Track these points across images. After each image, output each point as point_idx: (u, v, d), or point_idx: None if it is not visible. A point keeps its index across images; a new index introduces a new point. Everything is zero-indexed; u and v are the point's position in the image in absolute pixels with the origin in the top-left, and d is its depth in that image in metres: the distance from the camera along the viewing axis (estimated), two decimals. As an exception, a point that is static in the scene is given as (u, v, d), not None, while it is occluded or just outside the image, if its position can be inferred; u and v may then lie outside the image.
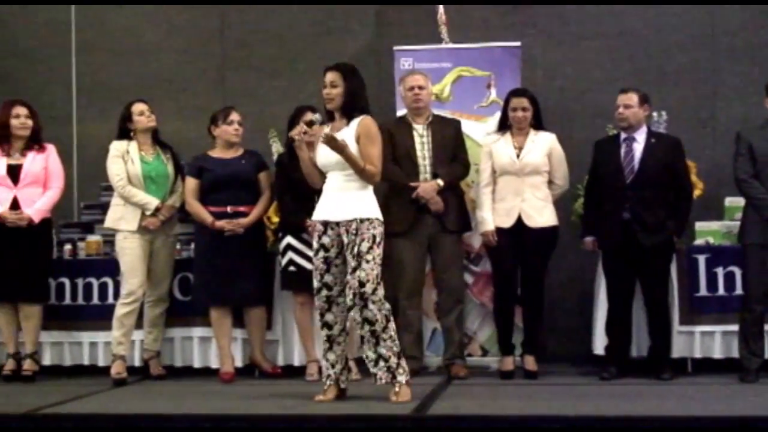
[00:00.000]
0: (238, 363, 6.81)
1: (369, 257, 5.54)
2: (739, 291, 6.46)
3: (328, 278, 5.67)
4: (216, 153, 6.78)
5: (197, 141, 7.18)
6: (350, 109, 5.68)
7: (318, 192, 6.43)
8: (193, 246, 6.92)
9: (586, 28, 7.81)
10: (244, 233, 6.61)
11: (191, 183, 6.71)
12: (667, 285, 6.45)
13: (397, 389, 5.56)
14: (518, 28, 7.69)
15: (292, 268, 6.58)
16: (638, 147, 6.36)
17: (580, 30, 7.81)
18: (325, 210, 5.68)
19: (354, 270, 5.54)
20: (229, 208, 6.64)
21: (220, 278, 6.59)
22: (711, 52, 7.70)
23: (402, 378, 5.58)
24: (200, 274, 6.71)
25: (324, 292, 5.68)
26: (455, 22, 7.68)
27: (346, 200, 5.63)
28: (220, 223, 6.59)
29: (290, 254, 6.58)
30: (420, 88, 6.68)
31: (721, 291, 6.55)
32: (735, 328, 6.36)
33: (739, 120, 7.14)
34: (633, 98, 6.38)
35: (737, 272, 6.49)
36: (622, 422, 5.05)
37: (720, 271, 6.56)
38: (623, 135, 6.45)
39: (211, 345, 6.87)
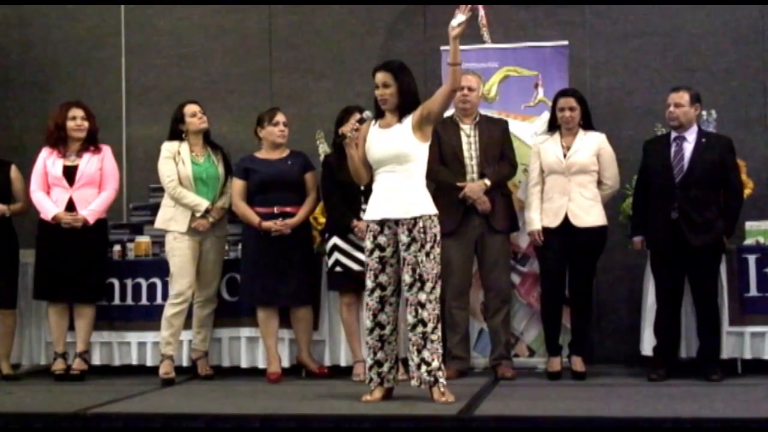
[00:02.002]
0: (285, 363, 6.84)
1: (431, 256, 5.55)
2: (790, 291, 6.39)
3: (382, 278, 5.63)
4: (262, 154, 6.82)
5: (244, 142, 7.24)
6: (406, 107, 5.66)
7: (365, 193, 6.48)
8: (240, 247, 6.95)
9: (634, 27, 7.74)
10: (291, 234, 6.64)
11: (238, 184, 6.75)
12: (716, 285, 6.38)
13: (441, 389, 5.54)
14: (566, 27, 7.64)
15: (338, 268, 6.60)
16: (688, 146, 6.31)
17: (628, 29, 7.75)
18: (381, 208, 5.61)
19: (415, 269, 5.52)
20: (275, 209, 6.67)
21: (267, 279, 6.62)
22: (760, 49, 7.59)
23: (443, 380, 5.57)
24: (247, 275, 6.74)
25: (377, 293, 5.63)
26: (502, 21, 7.67)
27: (403, 197, 5.60)
28: (267, 224, 6.62)
29: (336, 255, 6.60)
30: (470, 89, 6.67)
31: (771, 291, 6.48)
32: (786, 329, 6.29)
33: (789, 118, 7.06)
34: (684, 97, 6.32)
35: (788, 272, 6.42)
36: (671, 424, 5.01)
37: (771, 272, 6.49)
38: (673, 134, 6.39)
39: (258, 345, 6.91)
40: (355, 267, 6.55)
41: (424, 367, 5.55)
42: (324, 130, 7.23)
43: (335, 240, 6.62)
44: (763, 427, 4.92)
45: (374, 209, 5.65)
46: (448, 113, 6.97)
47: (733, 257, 6.48)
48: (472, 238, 6.61)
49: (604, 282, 7.00)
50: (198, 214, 6.70)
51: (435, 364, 5.54)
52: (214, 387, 6.58)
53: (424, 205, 5.61)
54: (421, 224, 5.55)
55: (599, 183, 6.56)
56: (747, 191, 6.68)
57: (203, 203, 6.71)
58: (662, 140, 6.48)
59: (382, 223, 5.60)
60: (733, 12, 7.63)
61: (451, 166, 6.63)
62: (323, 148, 7.24)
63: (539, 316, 6.79)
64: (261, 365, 6.88)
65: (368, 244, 5.64)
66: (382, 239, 5.61)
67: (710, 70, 7.54)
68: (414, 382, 5.61)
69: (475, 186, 6.54)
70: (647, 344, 6.61)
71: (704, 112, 6.69)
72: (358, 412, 5.45)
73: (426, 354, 5.53)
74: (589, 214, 6.45)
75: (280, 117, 6.79)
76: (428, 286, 5.52)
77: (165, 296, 6.85)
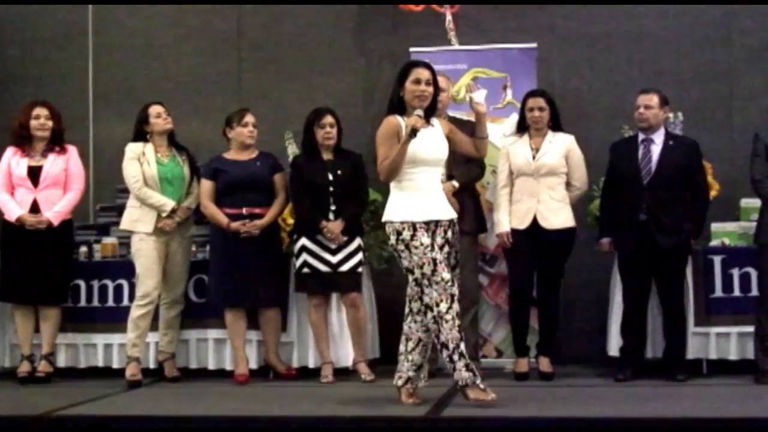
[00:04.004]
0: (253, 365, 6.82)
1: (452, 262, 5.57)
2: (754, 292, 6.42)
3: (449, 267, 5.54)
4: (231, 155, 6.79)
5: (213, 143, 7.20)
6: (433, 109, 5.63)
7: (334, 194, 6.47)
8: (208, 248, 6.93)
9: (602, 30, 7.79)
10: (260, 235, 6.62)
11: (206, 185, 6.73)
12: (682, 286, 6.43)
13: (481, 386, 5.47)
14: (534, 30, 7.67)
15: (306, 269, 6.59)
16: (656, 149, 6.35)
17: (597, 31, 7.80)
18: (434, 209, 5.53)
19: (453, 270, 5.52)
20: (244, 210, 6.65)
21: (235, 280, 6.60)
22: (726, 53, 7.67)
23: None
24: (215, 276, 6.72)
25: (455, 284, 5.51)
26: (471, 23, 7.70)
27: (443, 199, 5.62)
28: (236, 225, 6.60)
29: (305, 256, 6.59)
30: (441, 90, 6.66)
31: (736, 292, 6.52)
32: (750, 329, 6.33)
33: (755, 121, 7.10)
34: (654, 99, 6.36)
35: (753, 273, 6.46)
36: (637, 424, 5.05)
37: (735, 273, 6.53)
38: (641, 136, 6.43)
39: (226, 347, 6.88)
40: (323, 268, 6.55)
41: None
42: (293, 130, 7.22)
43: (304, 241, 6.60)
44: (727, 427, 4.96)
45: (426, 210, 5.50)
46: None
47: (698, 258, 6.53)
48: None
49: (572, 283, 7.02)
50: (164, 215, 6.67)
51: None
52: (181, 389, 6.55)
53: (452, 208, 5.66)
54: (456, 228, 5.60)
55: (568, 185, 6.58)
56: (713, 193, 6.72)
57: (169, 203, 6.68)
58: (630, 142, 6.51)
59: (427, 224, 5.51)
60: (700, 16, 7.70)
61: (419, 167, 6.63)
62: (292, 149, 7.22)
63: (507, 318, 6.82)
64: (228, 367, 6.86)
65: (427, 240, 5.42)
66: (436, 236, 5.53)
67: (677, 73, 7.59)
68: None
69: (445, 187, 6.54)
70: (614, 345, 6.64)
71: (671, 115, 6.73)
72: (326, 414, 5.45)
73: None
74: (558, 215, 6.47)
75: (249, 118, 6.77)
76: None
77: (132, 298, 6.81)
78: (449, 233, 5.55)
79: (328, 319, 6.76)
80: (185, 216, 6.77)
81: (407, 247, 5.45)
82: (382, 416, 5.36)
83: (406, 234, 5.45)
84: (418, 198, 5.51)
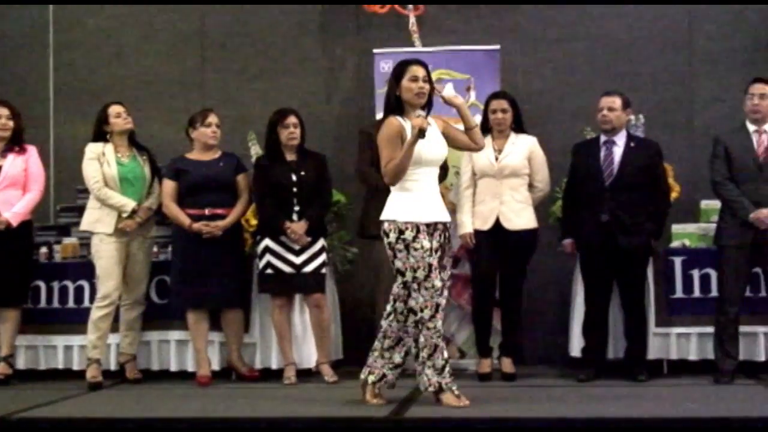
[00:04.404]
0: (215, 366, 6.80)
1: (444, 264, 5.57)
2: (714, 293, 6.49)
3: (442, 275, 5.53)
4: (194, 155, 6.76)
5: (176, 143, 7.16)
6: (429, 106, 5.61)
7: (298, 195, 6.45)
8: (170, 249, 6.89)
9: (566, 32, 7.84)
10: (222, 236, 6.60)
11: (169, 185, 6.69)
12: (643, 287, 6.48)
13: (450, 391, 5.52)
14: (498, 32, 7.70)
15: (269, 270, 6.57)
16: (618, 150, 6.39)
17: (560, 33, 7.84)
18: (437, 211, 5.52)
19: (440, 273, 5.51)
20: (207, 211, 6.62)
21: (197, 281, 6.57)
22: (687, 55, 7.74)
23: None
24: (177, 277, 6.69)
25: (445, 292, 5.53)
26: (435, 25, 7.72)
27: (441, 200, 5.61)
28: (198, 226, 6.57)
29: (268, 257, 6.57)
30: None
31: (696, 293, 6.59)
32: (710, 329, 6.40)
33: (715, 123, 7.17)
34: (617, 101, 6.41)
35: (713, 274, 6.53)
36: (599, 424, 5.07)
37: (696, 274, 6.60)
38: (603, 138, 6.47)
39: (188, 348, 6.85)
40: (287, 269, 6.53)
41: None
42: (256, 131, 7.19)
43: (267, 242, 6.58)
44: (687, 427, 5.00)
45: (430, 212, 5.49)
46: (381, 116, 6.98)
47: (659, 260, 6.59)
48: (403, 241, 6.61)
49: (535, 284, 7.05)
50: (124, 215, 6.63)
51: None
52: (143, 391, 6.52)
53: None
54: (449, 231, 5.60)
55: (530, 186, 6.61)
56: (674, 195, 6.79)
57: (129, 204, 6.63)
58: (592, 144, 6.55)
59: (429, 225, 5.49)
60: (661, 18, 7.77)
61: (382, 168, 6.64)
62: (255, 150, 7.20)
63: (470, 318, 6.83)
64: (191, 368, 6.83)
65: (427, 243, 5.40)
66: (434, 240, 5.51)
67: (638, 76, 7.65)
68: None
69: (405, 188, 6.55)
70: (576, 345, 6.68)
71: (632, 117, 6.78)
72: (289, 415, 5.43)
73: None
74: (520, 216, 6.50)
75: (212, 118, 6.75)
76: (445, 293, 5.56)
77: (92, 299, 6.75)
78: (443, 237, 5.55)
79: (291, 320, 6.74)
80: (146, 217, 6.72)
81: (407, 247, 5.42)
82: (345, 417, 5.36)
83: (409, 234, 5.43)
84: (422, 199, 5.50)
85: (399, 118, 5.51)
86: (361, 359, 6.94)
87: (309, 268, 6.56)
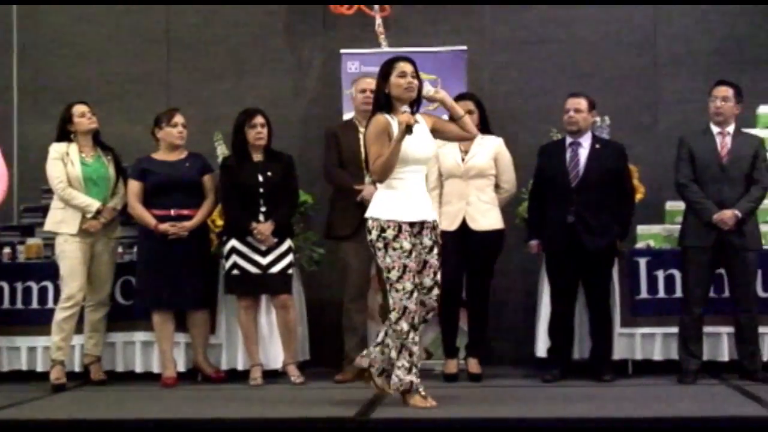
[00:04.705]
0: (181, 368, 6.76)
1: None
2: (678, 294, 6.55)
3: (417, 279, 5.47)
4: (159, 155, 6.73)
5: (141, 143, 7.11)
6: (417, 102, 5.60)
7: (264, 195, 6.43)
8: (135, 249, 6.85)
9: (532, 34, 7.87)
10: (188, 236, 6.58)
11: (134, 186, 6.65)
12: (609, 287, 6.52)
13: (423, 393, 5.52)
14: (465, 33, 7.73)
15: (235, 271, 6.54)
16: (583, 152, 6.42)
17: (526, 35, 7.87)
18: (422, 210, 5.50)
19: (436, 273, 5.51)
20: (172, 211, 6.59)
21: (163, 282, 6.54)
22: (652, 58, 7.80)
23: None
24: (143, 278, 6.65)
25: (416, 295, 5.45)
26: (402, 25, 7.73)
27: (428, 200, 5.60)
28: (164, 226, 6.54)
29: (234, 258, 6.54)
30: (372, 92, 6.67)
31: (661, 294, 6.64)
32: (675, 330, 6.45)
33: (679, 125, 7.22)
34: (583, 103, 6.44)
35: (677, 275, 6.58)
36: (564, 424, 5.10)
37: (660, 274, 6.64)
38: (569, 139, 6.50)
39: (153, 349, 6.81)
40: (253, 270, 6.51)
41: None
42: (222, 131, 7.16)
43: (233, 243, 6.56)
44: (651, 427, 5.04)
45: (415, 210, 5.47)
46: (348, 116, 7.00)
47: (624, 260, 6.63)
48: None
49: (501, 285, 7.07)
50: (89, 216, 6.58)
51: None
52: (108, 393, 6.48)
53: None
54: (438, 229, 5.58)
55: (496, 187, 6.63)
56: (639, 196, 6.83)
57: (94, 204, 6.59)
58: (558, 145, 6.59)
59: (413, 225, 5.47)
60: (627, 21, 7.83)
61: (349, 168, 6.64)
62: (221, 150, 7.17)
63: (437, 319, 6.82)
64: (156, 370, 6.79)
65: (407, 245, 5.39)
66: (416, 240, 5.47)
67: (604, 77, 7.69)
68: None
69: (372, 189, 6.49)
70: (542, 346, 6.71)
71: (598, 119, 6.82)
72: (255, 416, 5.42)
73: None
74: (487, 217, 6.52)
75: (178, 118, 6.72)
76: (437, 290, 5.56)
77: (56, 300, 6.69)
78: (434, 234, 5.54)
79: (257, 321, 6.72)
80: (111, 217, 6.67)
81: (386, 246, 5.42)
82: (311, 418, 5.35)
83: (390, 233, 5.42)
84: (407, 197, 5.48)
85: (386, 116, 5.51)
86: (327, 360, 6.98)
87: (275, 269, 6.54)
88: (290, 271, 6.61)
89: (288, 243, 6.62)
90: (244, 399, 6.01)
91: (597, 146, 6.45)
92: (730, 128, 6.38)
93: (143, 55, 8.11)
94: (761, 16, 7.74)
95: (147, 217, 6.58)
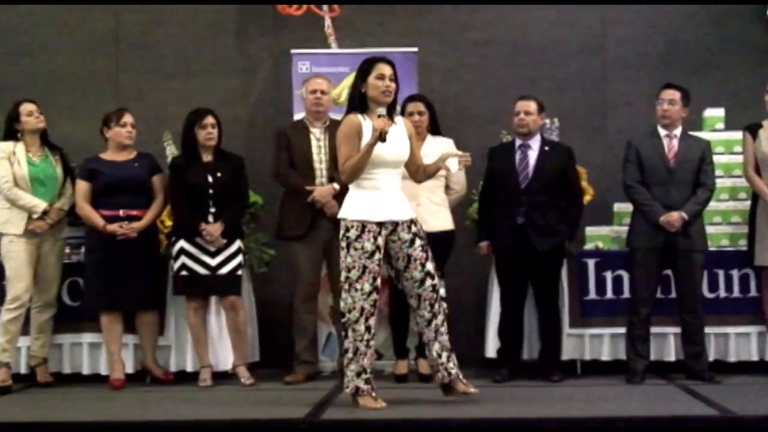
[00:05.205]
0: (130, 369, 6.71)
1: (431, 255, 5.53)
2: (626, 294, 6.61)
3: (378, 281, 5.47)
4: (108, 155, 6.67)
5: (89, 143, 7.03)
6: (394, 105, 5.59)
7: (213, 196, 6.40)
8: (83, 250, 6.78)
9: (482, 36, 7.92)
10: (137, 237, 6.52)
11: (82, 186, 6.58)
12: (558, 289, 6.57)
13: (464, 381, 5.54)
14: (415, 34, 7.74)
15: (184, 272, 6.50)
16: (533, 154, 6.47)
17: (477, 37, 7.91)
18: (392, 209, 5.48)
19: (424, 264, 5.48)
20: (121, 212, 6.54)
21: (111, 283, 6.48)
22: (601, 61, 7.89)
23: (456, 370, 5.57)
24: (91, 279, 6.59)
25: (374, 296, 5.45)
26: (352, 26, 7.73)
27: (403, 199, 5.57)
28: (112, 227, 6.48)
29: (183, 258, 6.50)
30: (322, 92, 6.67)
31: (609, 294, 6.70)
32: (623, 330, 6.52)
33: (628, 128, 7.30)
34: (532, 106, 6.48)
35: (625, 276, 6.65)
36: (513, 424, 5.13)
37: (608, 275, 6.71)
38: (518, 142, 6.54)
39: (101, 351, 6.75)
40: (202, 271, 6.47)
41: (446, 354, 5.57)
42: (172, 131, 7.11)
43: (182, 243, 6.51)
44: (600, 427, 5.08)
45: (382, 210, 5.45)
46: (298, 117, 6.98)
47: (573, 261, 6.68)
48: (320, 242, 6.60)
49: (451, 286, 7.08)
50: (35, 216, 6.50)
51: (447, 354, 5.56)
52: (54, 394, 6.41)
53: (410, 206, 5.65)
54: (418, 225, 5.56)
55: (447, 188, 6.66)
56: (587, 198, 6.89)
57: (40, 204, 6.51)
58: (507, 147, 6.62)
59: (381, 224, 5.45)
60: (576, 24, 7.90)
61: (300, 169, 6.62)
62: (171, 150, 7.12)
63: (387, 320, 6.84)
64: (104, 372, 6.73)
65: (369, 246, 5.40)
66: (381, 241, 5.45)
67: (553, 80, 7.76)
68: (441, 376, 5.59)
69: (323, 190, 6.55)
70: (491, 346, 6.75)
71: (547, 120, 6.87)
72: (201, 418, 5.39)
73: (444, 342, 5.56)
74: (437, 218, 6.53)
75: (127, 118, 6.66)
76: (437, 281, 5.52)
77: (2, 301, 6.59)
78: (413, 228, 5.52)
79: (206, 322, 6.68)
80: (58, 217, 6.61)
81: (348, 246, 5.42)
82: (260, 419, 5.34)
83: (353, 233, 5.42)
84: (375, 198, 5.47)
85: (359, 116, 5.50)
86: (277, 361, 6.96)
87: (224, 270, 6.50)
88: (240, 272, 6.58)
89: (237, 244, 6.58)
90: (193, 401, 5.98)
91: (546, 148, 6.50)
92: (677, 131, 6.46)
93: (92, 54, 8.03)
94: (708, 20, 7.86)
95: (95, 217, 6.51)
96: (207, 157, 6.58)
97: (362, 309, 5.41)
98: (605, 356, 6.68)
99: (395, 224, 5.49)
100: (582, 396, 5.95)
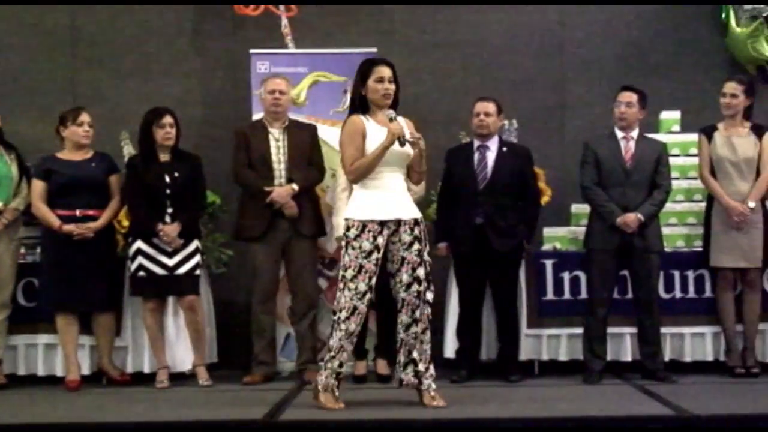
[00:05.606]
0: (85, 371, 6.66)
1: (427, 258, 5.51)
2: (583, 295, 6.66)
3: (374, 281, 5.44)
4: (65, 155, 6.61)
5: (45, 142, 6.98)
6: (396, 104, 5.56)
7: (171, 197, 6.35)
8: (38, 250, 6.72)
9: (441, 37, 7.93)
10: (94, 237, 6.46)
11: (38, 185, 6.52)
12: (516, 289, 6.60)
13: (432, 393, 5.51)
14: (374, 35, 7.74)
15: (141, 273, 6.45)
16: (491, 155, 6.49)
17: (435, 38, 7.93)
18: (396, 208, 5.45)
19: (415, 268, 5.45)
20: (78, 212, 6.48)
21: (67, 283, 6.43)
22: (559, 63, 7.93)
23: (429, 381, 5.54)
24: (46, 280, 6.54)
25: (369, 296, 5.43)
26: (311, 26, 7.71)
27: (408, 198, 5.54)
28: (69, 227, 6.42)
29: (140, 259, 6.45)
30: (281, 93, 6.65)
31: (566, 295, 6.73)
32: (580, 331, 6.56)
33: (585, 130, 7.35)
34: (492, 107, 6.52)
35: (582, 277, 6.69)
36: (472, 424, 5.15)
37: (566, 276, 6.74)
38: (476, 143, 6.56)
39: (56, 352, 6.69)
40: (159, 271, 6.43)
41: (411, 367, 5.53)
42: (129, 131, 7.06)
43: (139, 244, 6.46)
44: (557, 427, 5.12)
45: (386, 209, 5.43)
46: (257, 117, 6.96)
47: (531, 262, 6.72)
48: (279, 243, 6.59)
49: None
50: (-10, 216, 6.45)
51: (423, 365, 5.53)
52: (8, 396, 6.33)
53: (417, 208, 5.60)
54: (422, 225, 5.53)
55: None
56: (545, 199, 6.93)
57: (-5, 204, 6.47)
58: (465, 148, 6.64)
59: (383, 224, 5.42)
60: (535, 26, 7.94)
61: (258, 170, 6.59)
62: (128, 150, 7.07)
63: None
64: (59, 373, 6.67)
65: (367, 245, 5.38)
66: (380, 240, 5.41)
67: (512, 82, 7.79)
68: (399, 384, 5.59)
69: (282, 191, 6.53)
70: (450, 347, 6.77)
71: (506, 122, 6.90)
72: (159, 419, 5.36)
73: (416, 354, 5.52)
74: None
75: (84, 117, 6.60)
76: (424, 285, 5.48)
77: (-44, 301, 6.54)
78: (416, 230, 5.49)
79: (164, 323, 6.64)
80: (13, 217, 6.54)
81: (347, 244, 5.42)
82: (218, 420, 5.32)
83: (352, 232, 5.41)
84: (378, 197, 5.45)
85: (362, 117, 5.49)
86: (236, 362, 6.93)
87: (182, 270, 6.46)
88: (197, 272, 6.55)
89: (195, 244, 6.55)
90: (151, 402, 5.94)
91: (504, 149, 6.53)
92: (634, 133, 6.52)
93: (48, 53, 7.95)
94: (665, 23, 7.92)
95: (51, 217, 6.45)
96: (164, 157, 6.54)
97: (354, 308, 5.41)
98: (562, 356, 6.72)
99: (398, 224, 5.47)
100: (539, 396, 5.98)
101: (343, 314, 5.42)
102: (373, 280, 5.43)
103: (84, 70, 7.94)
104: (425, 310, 5.52)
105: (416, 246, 5.48)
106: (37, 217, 6.57)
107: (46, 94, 7.82)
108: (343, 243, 5.46)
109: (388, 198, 5.47)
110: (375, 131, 5.45)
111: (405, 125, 5.56)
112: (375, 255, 5.41)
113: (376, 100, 5.50)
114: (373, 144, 5.41)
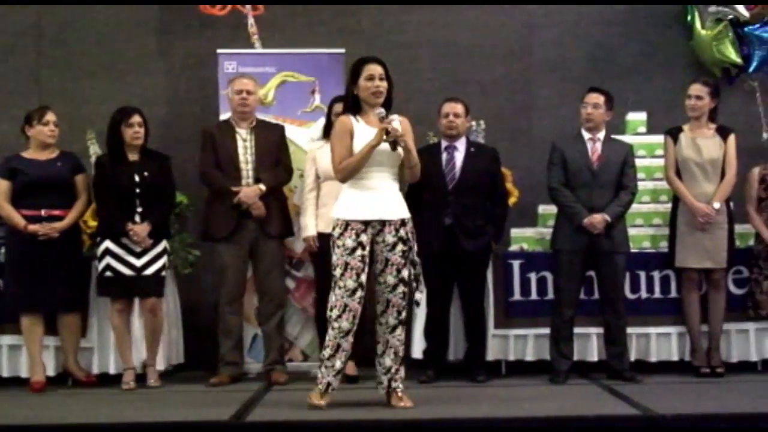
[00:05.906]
0: (51, 372, 6.61)
1: (416, 259, 5.50)
2: (550, 296, 6.68)
3: (363, 277, 5.43)
4: (30, 154, 6.56)
5: (10, 141, 6.92)
6: (389, 103, 5.55)
7: (140, 196, 6.32)
8: (3, 251, 6.66)
9: (409, 37, 7.94)
10: (59, 237, 6.42)
11: (3, 185, 6.47)
12: (483, 290, 6.62)
13: (400, 394, 5.54)
14: (342, 35, 7.74)
15: (108, 273, 6.41)
16: (459, 155, 6.51)
17: (405, 38, 7.94)
18: (380, 208, 5.44)
19: (400, 270, 5.46)
20: (43, 212, 6.44)
21: (32, 284, 6.38)
22: (527, 64, 7.97)
23: (398, 383, 5.57)
24: (11, 280, 6.48)
25: (359, 293, 5.42)
26: (279, 26, 7.69)
27: (395, 198, 5.53)
28: (34, 227, 6.37)
29: (108, 259, 6.41)
30: (248, 92, 6.63)
31: (533, 296, 6.76)
32: (546, 331, 6.59)
33: (552, 130, 7.37)
34: (460, 108, 6.54)
35: (549, 277, 6.71)
36: (438, 425, 5.16)
37: (533, 277, 6.77)
38: (444, 143, 6.58)
39: (21, 353, 6.65)
40: (127, 272, 6.39)
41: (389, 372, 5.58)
42: (95, 130, 7.02)
43: (107, 244, 6.42)
44: (524, 426, 5.13)
45: (370, 209, 5.43)
46: (224, 117, 6.93)
47: (498, 263, 6.74)
48: (246, 243, 6.57)
49: (377, 287, 7.11)
50: (-46, 216, 6.39)
51: (395, 367, 5.57)
52: (-27, 398, 6.28)
53: (406, 208, 5.58)
54: (409, 226, 5.51)
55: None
56: (512, 200, 6.96)
57: (-41, 204, 6.40)
58: (434, 149, 6.65)
59: (367, 223, 5.42)
60: (503, 27, 7.97)
61: (226, 170, 6.57)
62: (94, 149, 7.03)
63: (313, 321, 6.84)
64: (24, 374, 6.62)
65: (350, 242, 5.39)
66: (364, 238, 5.41)
67: (480, 82, 7.81)
68: (377, 387, 5.64)
69: (249, 191, 6.51)
70: (417, 347, 6.77)
71: (473, 122, 6.92)
72: (124, 421, 5.33)
73: (388, 360, 5.57)
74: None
75: (50, 116, 6.56)
76: (414, 285, 5.51)
77: None
78: (402, 231, 5.49)
79: (130, 324, 6.60)
80: (-23, 217, 6.49)
81: (334, 243, 5.44)
82: (185, 421, 5.29)
83: (337, 231, 5.44)
84: (364, 197, 5.46)
85: (351, 117, 5.51)
86: (202, 362, 6.90)
87: (149, 271, 6.43)
88: (163, 273, 6.51)
89: (163, 244, 6.51)
90: (117, 403, 5.90)
91: (472, 150, 6.55)
92: (601, 134, 6.56)
93: (13, 51, 7.89)
94: (632, 26, 7.98)
95: (16, 217, 6.40)
96: (133, 157, 6.50)
97: (345, 306, 5.41)
98: (529, 356, 6.75)
99: (383, 224, 5.47)
100: (506, 396, 6.00)
101: (335, 312, 5.43)
102: (362, 277, 5.43)
103: (49, 68, 7.88)
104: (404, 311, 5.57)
105: (400, 247, 5.49)
106: (2, 217, 6.51)
107: (12, 93, 7.77)
108: (331, 242, 5.49)
109: (375, 198, 5.47)
110: (363, 131, 5.47)
111: (399, 125, 5.53)
112: (359, 251, 5.41)
113: (367, 98, 5.51)
114: (360, 143, 5.43)
